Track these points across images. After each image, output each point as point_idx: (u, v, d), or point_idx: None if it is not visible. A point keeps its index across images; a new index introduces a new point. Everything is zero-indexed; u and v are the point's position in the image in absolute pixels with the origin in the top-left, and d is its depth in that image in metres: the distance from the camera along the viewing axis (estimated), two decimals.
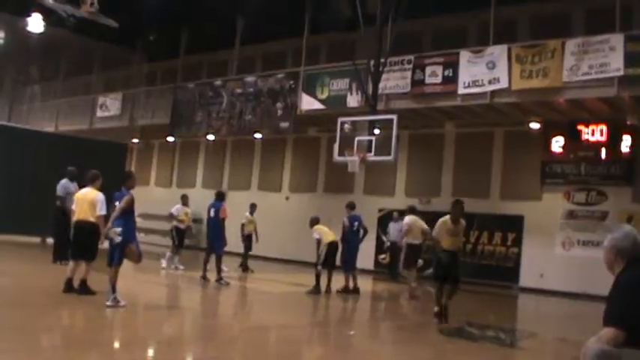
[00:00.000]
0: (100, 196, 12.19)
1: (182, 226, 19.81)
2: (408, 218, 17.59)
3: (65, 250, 16.82)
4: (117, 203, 11.46)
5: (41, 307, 10.93)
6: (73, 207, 12.44)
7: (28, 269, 15.44)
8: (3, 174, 21.84)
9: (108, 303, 11.07)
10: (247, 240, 20.86)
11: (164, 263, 19.21)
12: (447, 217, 12.86)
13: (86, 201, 12.18)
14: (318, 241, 16.22)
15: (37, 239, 17.60)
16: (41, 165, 20.66)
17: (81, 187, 12.68)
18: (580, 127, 21.10)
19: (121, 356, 8.29)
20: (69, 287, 12.02)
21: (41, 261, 16.71)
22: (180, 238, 19.71)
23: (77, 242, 12.27)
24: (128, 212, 11.56)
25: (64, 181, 17.46)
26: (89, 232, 12.12)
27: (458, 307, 17.27)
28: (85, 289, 11.99)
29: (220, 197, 17.55)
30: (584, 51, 17.57)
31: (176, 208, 19.89)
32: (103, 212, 12.07)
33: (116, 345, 9.00)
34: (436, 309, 13.18)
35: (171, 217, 19.92)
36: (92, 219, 12.08)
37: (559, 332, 13.53)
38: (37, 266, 15.94)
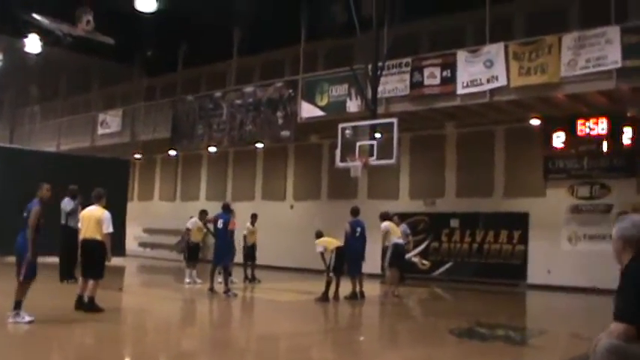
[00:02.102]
0: (106, 214, 12.27)
1: (192, 240, 19.58)
2: (387, 223, 17.55)
3: (71, 268, 16.92)
4: (25, 214, 10.78)
5: (51, 325, 10.93)
6: (79, 225, 12.45)
7: (35, 288, 15.40)
8: (5, 195, 21.84)
9: (11, 320, 10.28)
10: (251, 250, 20.80)
11: (187, 279, 19.09)
12: None
13: (92, 219, 12.23)
14: (322, 254, 16.23)
15: (42, 259, 17.59)
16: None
17: (86, 205, 12.67)
18: (580, 122, 21.09)
19: None
20: (80, 304, 12.05)
21: (47, 280, 16.70)
22: (191, 252, 19.51)
23: (85, 260, 12.29)
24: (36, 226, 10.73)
25: (66, 200, 17.50)
26: (96, 250, 12.20)
27: (466, 307, 17.31)
28: (93, 306, 12.03)
29: (227, 209, 17.51)
30: (581, 45, 17.56)
31: (191, 222, 19.72)
32: (110, 230, 12.17)
33: None
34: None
35: (187, 232, 19.71)
36: (99, 237, 12.15)
37: (569, 328, 13.49)
38: (44, 285, 15.92)
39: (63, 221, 17.35)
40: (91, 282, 12.15)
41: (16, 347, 9.11)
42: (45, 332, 10.23)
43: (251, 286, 20.02)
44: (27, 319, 10.35)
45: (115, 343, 10.22)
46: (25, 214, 10.80)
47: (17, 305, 10.38)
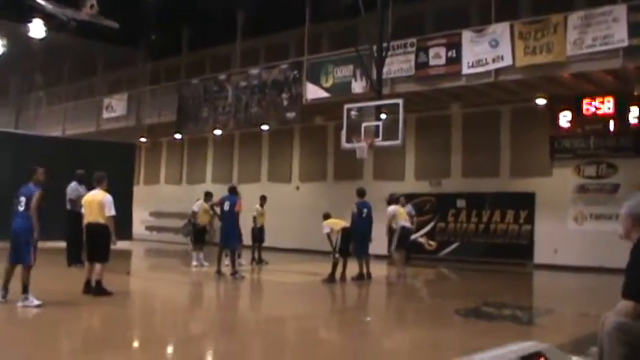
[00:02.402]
0: (107, 198, 12.29)
1: (199, 223, 19.56)
2: (394, 207, 17.54)
3: (78, 253, 17.01)
4: (22, 198, 10.80)
5: (60, 309, 10.99)
6: (83, 210, 12.47)
7: (44, 272, 15.49)
8: (12, 182, 21.90)
9: (20, 304, 10.43)
10: (260, 232, 20.82)
11: (194, 262, 19.13)
12: None
13: (95, 203, 12.25)
14: (329, 235, 16.24)
15: (49, 244, 17.72)
16: (50, 171, 20.67)
17: (89, 189, 12.70)
18: (587, 101, 21.02)
19: (142, 354, 8.34)
20: (88, 288, 12.10)
21: (55, 265, 16.81)
22: (198, 235, 19.51)
23: (90, 244, 12.33)
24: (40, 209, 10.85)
25: (73, 184, 17.54)
26: (100, 233, 12.23)
27: (473, 287, 17.34)
28: (100, 289, 12.10)
29: (234, 191, 17.49)
30: (587, 24, 17.48)
31: (197, 205, 19.69)
32: (112, 213, 12.20)
33: (136, 344, 9.05)
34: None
35: (193, 215, 19.69)
36: (102, 220, 12.18)
37: (576, 307, 13.51)
38: (52, 269, 16.01)
39: (68, 206, 17.38)
40: (97, 266, 12.19)
41: (26, 331, 9.16)
42: (54, 316, 10.28)
43: (258, 267, 20.06)
44: (35, 302, 10.45)
45: (123, 326, 10.28)
46: (21, 199, 10.82)
47: (25, 289, 10.48)
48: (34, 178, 11.20)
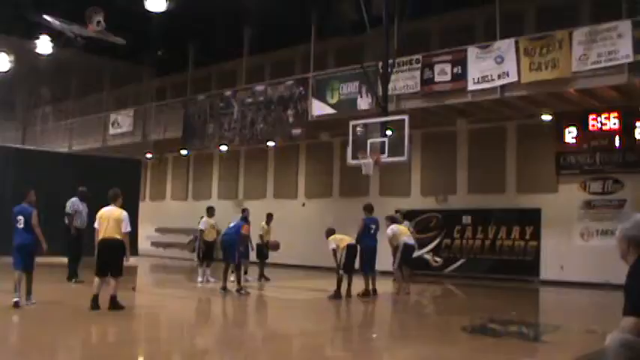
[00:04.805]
0: (124, 214, 12.49)
1: (207, 238, 19.46)
2: (394, 226, 17.47)
3: (75, 267, 17.14)
4: (20, 217, 12.41)
5: (70, 324, 11.03)
6: (96, 225, 12.53)
7: (48, 288, 15.55)
8: (18, 197, 21.95)
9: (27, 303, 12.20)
10: (264, 249, 20.78)
11: (200, 277, 19.09)
12: None
13: (112, 219, 12.36)
14: (334, 251, 16.19)
15: (53, 259, 17.80)
16: (56, 186, 20.74)
17: (101, 206, 12.77)
18: (592, 116, 21.03)
19: None
20: (96, 303, 12.11)
21: (56, 280, 16.90)
22: (205, 251, 19.43)
23: (104, 259, 12.37)
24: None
25: (74, 199, 17.64)
26: (116, 249, 12.38)
27: (479, 304, 17.29)
28: (115, 304, 12.18)
29: (244, 217, 17.70)
30: (592, 40, 17.49)
31: (202, 222, 19.59)
32: (129, 229, 12.45)
33: (141, 359, 9.05)
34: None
35: (201, 233, 19.55)
36: (118, 236, 12.32)
37: (583, 324, 13.44)
38: (55, 285, 16.06)
39: (66, 221, 17.47)
40: (112, 281, 12.31)
41: (34, 345, 9.15)
42: (57, 331, 10.28)
43: (261, 284, 19.97)
44: (33, 300, 12.28)
45: (129, 341, 10.26)
46: (19, 218, 12.43)
47: (29, 291, 12.31)
48: (28, 199, 12.83)
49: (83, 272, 17.21)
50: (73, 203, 17.62)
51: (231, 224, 17.15)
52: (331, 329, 12.69)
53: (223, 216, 19.73)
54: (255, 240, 20.09)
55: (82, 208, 17.69)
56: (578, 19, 20.31)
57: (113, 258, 12.37)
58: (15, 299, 11.97)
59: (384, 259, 18.17)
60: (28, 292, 12.28)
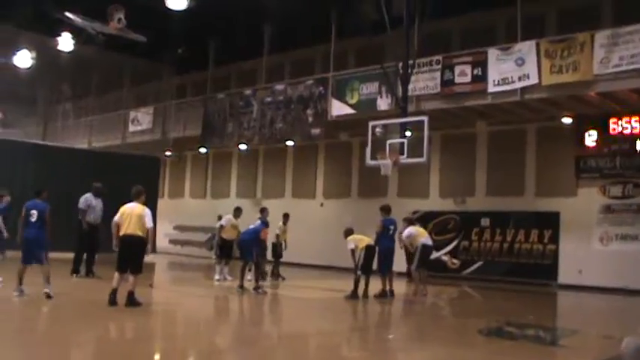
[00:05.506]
0: (147, 211, 12.56)
1: (226, 237, 19.39)
2: (411, 228, 17.38)
3: (79, 263, 17.26)
4: (34, 212, 12.89)
5: (81, 319, 11.07)
6: (116, 219, 12.56)
7: (69, 283, 15.64)
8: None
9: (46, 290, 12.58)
10: (280, 248, 20.79)
11: (217, 275, 19.11)
12: None
13: (134, 215, 12.39)
14: (353, 251, 16.15)
15: (69, 255, 17.97)
16: (75, 182, 20.82)
17: (121, 204, 12.83)
18: (613, 120, 20.90)
19: None
20: (114, 298, 12.17)
21: (61, 275, 17.05)
22: (223, 249, 19.40)
23: (125, 255, 12.42)
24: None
25: (87, 195, 17.69)
26: (137, 245, 12.46)
27: (496, 307, 17.23)
28: (133, 300, 12.22)
29: (264, 217, 17.71)
30: (614, 43, 17.41)
31: (225, 219, 19.55)
32: (152, 224, 12.53)
33: (157, 356, 9.05)
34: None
35: (220, 228, 19.54)
36: (140, 233, 12.37)
37: (600, 329, 13.37)
38: (57, 281, 16.18)
39: (80, 217, 17.58)
40: (131, 277, 12.35)
41: (47, 343, 9.18)
42: (74, 326, 10.33)
43: (277, 283, 19.93)
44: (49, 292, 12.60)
45: (145, 337, 10.30)
46: (32, 212, 12.89)
47: (48, 280, 12.70)
48: (42, 196, 13.45)
49: (97, 268, 17.39)
50: (87, 199, 17.66)
51: (251, 226, 17.14)
52: (348, 329, 12.67)
53: (242, 215, 19.67)
54: (271, 239, 20.08)
55: (96, 203, 17.70)
56: (600, 21, 20.19)
57: (133, 255, 12.43)
58: (45, 290, 12.59)
59: (398, 261, 18.10)
60: (47, 281, 12.71)
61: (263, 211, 18.30)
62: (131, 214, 12.44)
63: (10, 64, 29.57)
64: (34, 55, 29.17)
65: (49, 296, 12.44)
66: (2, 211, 19.21)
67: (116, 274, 12.40)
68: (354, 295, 15.98)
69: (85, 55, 27.16)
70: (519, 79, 19.16)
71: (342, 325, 12.95)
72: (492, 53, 19.86)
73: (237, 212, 19.41)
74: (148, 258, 12.81)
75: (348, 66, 25.67)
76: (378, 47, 23.22)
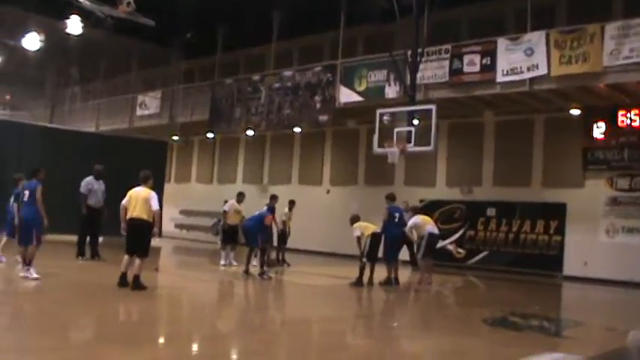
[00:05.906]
0: (153, 194, 12.59)
1: (230, 222, 19.43)
2: (416, 217, 17.29)
3: (83, 246, 17.26)
4: (26, 192, 13.06)
5: (88, 301, 11.11)
6: (124, 202, 12.60)
7: (75, 266, 15.71)
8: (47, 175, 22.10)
9: (22, 274, 12.64)
10: (284, 234, 20.82)
11: (222, 260, 19.16)
12: None
13: (140, 198, 12.45)
14: (359, 238, 16.13)
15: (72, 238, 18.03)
16: (82, 165, 20.82)
17: (128, 188, 12.85)
18: (622, 112, 20.82)
19: (168, 350, 8.37)
20: (124, 280, 12.24)
21: (66, 257, 17.11)
22: (228, 234, 19.48)
23: (132, 238, 12.48)
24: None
25: (88, 179, 17.55)
26: (144, 228, 12.51)
27: (501, 297, 17.24)
28: (138, 284, 12.26)
29: (272, 204, 17.79)
30: (625, 34, 17.35)
31: (228, 205, 19.61)
32: (157, 207, 12.56)
33: (162, 339, 9.08)
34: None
35: (224, 214, 19.60)
36: (146, 217, 12.43)
37: (605, 321, 13.38)
38: (61, 262, 16.23)
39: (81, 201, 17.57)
40: (137, 261, 12.37)
41: (53, 324, 9.21)
42: (81, 309, 10.37)
43: (281, 269, 19.95)
44: (34, 275, 12.51)
45: (150, 321, 10.34)
46: (25, 192, 13.10)
47: (29, 263, 12.65)
48: (38, 175, 13.33)
49: (102, 251, 17.44)
50: (88, 183, 17.49)
51: (256, 212, 17.14)
52: (352, 316, 12.71)
53: (248, 200, 19.68)
54: (279, 226, 20.12)
55: (97, 186, 17.57)
56: (610, 12, 20.11)
57: (139, 238, 12.48)
58: (22, 273, 12.66)
59: (403, 249, 18.06)
60: (29, 263, 12.68)
61: (273, 198, 18.35)
62: (137, 198, 12.49)
63: (18, 47, 29.59)
64: (42, 37, 29.18)
65: (26, 278, 12.51)
66: (17, 195, 19.23)
67: (125, 257, 12.45)
68: (358, 282, 15.99)
69: (93, 39, 27.12)
70: (528, 69, 19.11)
71: (346, 312, 12.98)
72: (502, 43, 19.80)
73: (240, 197, 19.45)
74: (154, 242, 12.72)
75: (357, 53, 25.63)
76: (387, 35, 23.19)
